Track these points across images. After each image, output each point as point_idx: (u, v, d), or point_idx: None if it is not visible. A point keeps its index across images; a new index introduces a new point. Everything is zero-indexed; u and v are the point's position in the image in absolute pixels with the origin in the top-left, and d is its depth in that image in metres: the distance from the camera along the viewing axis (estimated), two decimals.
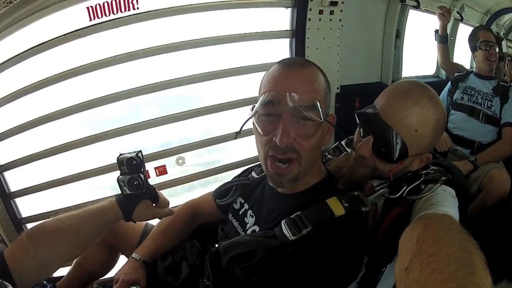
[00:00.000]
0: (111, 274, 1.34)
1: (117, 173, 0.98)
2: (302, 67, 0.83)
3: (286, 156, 0.81)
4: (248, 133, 0.89)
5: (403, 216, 0.84)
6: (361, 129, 0.94)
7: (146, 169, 1.02)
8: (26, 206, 1.88)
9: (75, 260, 1.31)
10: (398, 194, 0.87)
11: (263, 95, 0.81)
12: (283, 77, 0.81)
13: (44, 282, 1.32)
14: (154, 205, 1.04)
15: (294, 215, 0.80)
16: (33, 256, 0.86)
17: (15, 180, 1.85)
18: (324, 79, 0.86)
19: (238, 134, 0.92)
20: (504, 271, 1.08)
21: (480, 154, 1.88)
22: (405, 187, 0.88)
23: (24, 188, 1.84)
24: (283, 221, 0.80)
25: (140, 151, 0.99)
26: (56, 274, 1.75)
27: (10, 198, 1.82)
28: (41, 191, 1.83)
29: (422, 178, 0.89)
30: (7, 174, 1.84)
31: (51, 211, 1.81)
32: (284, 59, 0.88)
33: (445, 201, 0.81)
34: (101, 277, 1.40)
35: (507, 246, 1.33)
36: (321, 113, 0.79)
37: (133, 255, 1.12)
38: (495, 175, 1.75)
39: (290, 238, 0.77)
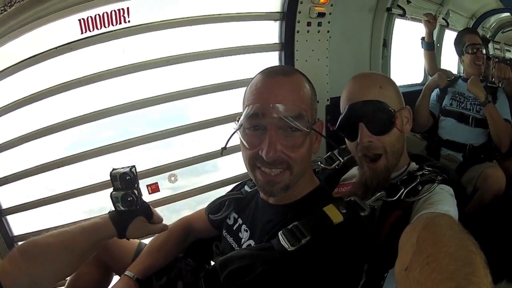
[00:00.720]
0: None
1: (108, 191, 0.96)
2: (285, 75, 0.82)
3: (274, 169, 0.80)
4: (237, 149, 0.88)
5: (403, 219, 0.83)
6: (348, 138, 1.01)
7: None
8: (19, 224, 1.83)
9: (68, 279, 1.26)
10: (396, 197, 0.87)
11: (247, 107, 0.79)
12: (266, 88, 0.80)
13: None
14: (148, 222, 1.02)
15: (291, 225, 0.78)
16: (26, 272, 0.84)
17: (7, 197, 1.80)
18: (309, 85, 0.85)
19: (224, 150, 0.90)
20: (504, 271, 1.07)
21: (492, 106, 1.88)
22: (402, 190, 0.88)
23: (17, 205, 1.79)
24: (280, 232, 0.78)
25: (134, 166, 0.97)
26: None
27: (1, 215, 1.76)
28: (33, 209, 1.78)
29: (418, 180, 0.89)
30: None
31: (44, 230, 1.74)
32: (267, 68, 0.86)
33: (444, 200, 0.81)
34: None
35: (507, 246, 1.32)
36: (308, 122, 0.79)
37: (126, 272, 1.09)
38: (490, 174, 1.76)
39: (289, 249, 0.75)
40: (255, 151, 0.79)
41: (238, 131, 0.83)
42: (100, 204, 1.86)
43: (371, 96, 0.94)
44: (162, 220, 1.05)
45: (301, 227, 0.77)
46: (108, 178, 0.95)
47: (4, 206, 1.79)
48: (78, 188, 1.78)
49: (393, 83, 1.02)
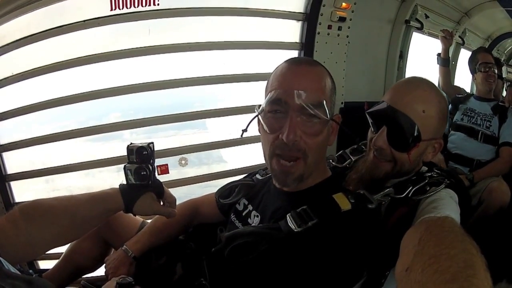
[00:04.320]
0: (101, 270, 1.30)
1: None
2: (310, 65, 0.85)
3: (292, 155, 0.81)
4: (248, 141, 0.89)
5: (407, 216, 0.85)
6: (372, 127, 0.99)
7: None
8: (21, 191, 1.86)
9: (64, 252, 1.28)
10: (404, 194, 0.89)
11: (270, 92, 0.82)
12: (291, 75, 0.82)
13: (31, 271, 1.28)
14: (158, 200, 1.01)
15: (300, 208, 0.80)
16: (23, 232, 0.82)
17: (13, 162, 1.82)
18: (331, 79, 0.87)
19: (244, 131, 0.91)
20: (503, 272, 1.08)
21: (477, 171, 1.94)
22: (410, 188, 0.90)
23: (21, 172, 1.81)
24: (288, 214, 0.80)
25: (152, 142, 0.97)
26: (44, 266, 1.71)
27: (5, 181, 1.79)
28: (38, 177, 1.82)
29: (427, 180, 0.91)
30: (6, 155, 1.80)
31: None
32: (292, 58, 0.89)
33: (448, 205, 0.83)
34: (90, 271, 1.35)
35: (507, 247, 1.34)
36: (327, 112, 0.81)
37: (124, 247, 1.10)
38: (495, 187, 1.80)
39: (295, 230, 0.76)
40: (275, 136, 0.81)
41: (259, 116, 0.85)
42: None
43: (410, 113, 0.92)
44: (174, 199, 1.04)
45: (309, 211, 0.79)
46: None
47: (10, 171, 1.82)
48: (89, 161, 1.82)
49: (441, 109, 0.96)
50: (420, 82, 0.98)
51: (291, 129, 0.78)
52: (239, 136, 0.92)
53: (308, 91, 0.79)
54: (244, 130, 0.91)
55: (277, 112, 0.81)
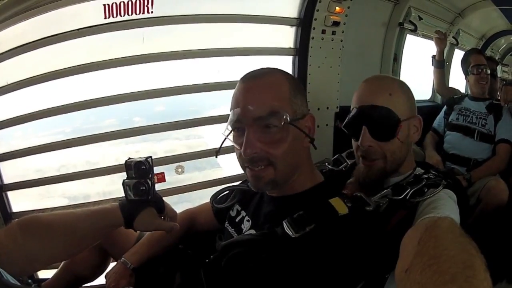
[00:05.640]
0: (100, 279, 1.29)
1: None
2: (258, 78, 0.85)
3: (257, 167, 0.83)
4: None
5: (407, 219, 0.85)
6: (354, 137, 1.02)
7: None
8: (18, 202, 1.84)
9: (62, 262, 1.27)
10: (402, 196, 0.90)
11: (230, 112, 0.85)
12: (241, 93, 0.84)
13: (29, 281, 1.26)
14: (159, 215, 1.00)
15: (296, 214, 0.80)
16: (21, 247, 0.81)
17: (9, 172, 1.81)
18: (289, 82, 0.86)
19: (217, 153, 0.94)
20: (503, 271, 1.09)
21: (474, 171, 1.94)
22: (408, 190, 0.90)
23: (18, 182, 1.80)
24: (285, 221, 0.80)
25: (150, 156, 0.96)
26: (43, 276, 1.69)
27: (2, 191, 1.78)
28: (35, 187, 1.80)
29: (424, 182, 0.92)
30: (2, 165, 1.79)
31: (44, 209, 1.77)
32: (244, 75, 0.89)
33: (447, 205, 0.83)
34: (90, 281, 1.35)
35: (507, 247, 1.34)
36: (282, 118, 0.80)
37: (123, 259, 1.10)
38: (493, 186, 1.80)
39: (292, 236, 0.76)
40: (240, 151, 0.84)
41: (228, 135, 0.87)
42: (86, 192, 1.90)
43: (379, 101, 0.96)
44: (176, 214, 1.04)
45: (306, 216, 0.79)
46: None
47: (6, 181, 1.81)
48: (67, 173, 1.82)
49: (405, 90, 1.02)
50: (376, 77, 1.06)
51: (247, 144, 0.80)
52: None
53: (256, 104, 0.80)
54: (217, 152, 0.94)
55: (239, 130, 0.84)
